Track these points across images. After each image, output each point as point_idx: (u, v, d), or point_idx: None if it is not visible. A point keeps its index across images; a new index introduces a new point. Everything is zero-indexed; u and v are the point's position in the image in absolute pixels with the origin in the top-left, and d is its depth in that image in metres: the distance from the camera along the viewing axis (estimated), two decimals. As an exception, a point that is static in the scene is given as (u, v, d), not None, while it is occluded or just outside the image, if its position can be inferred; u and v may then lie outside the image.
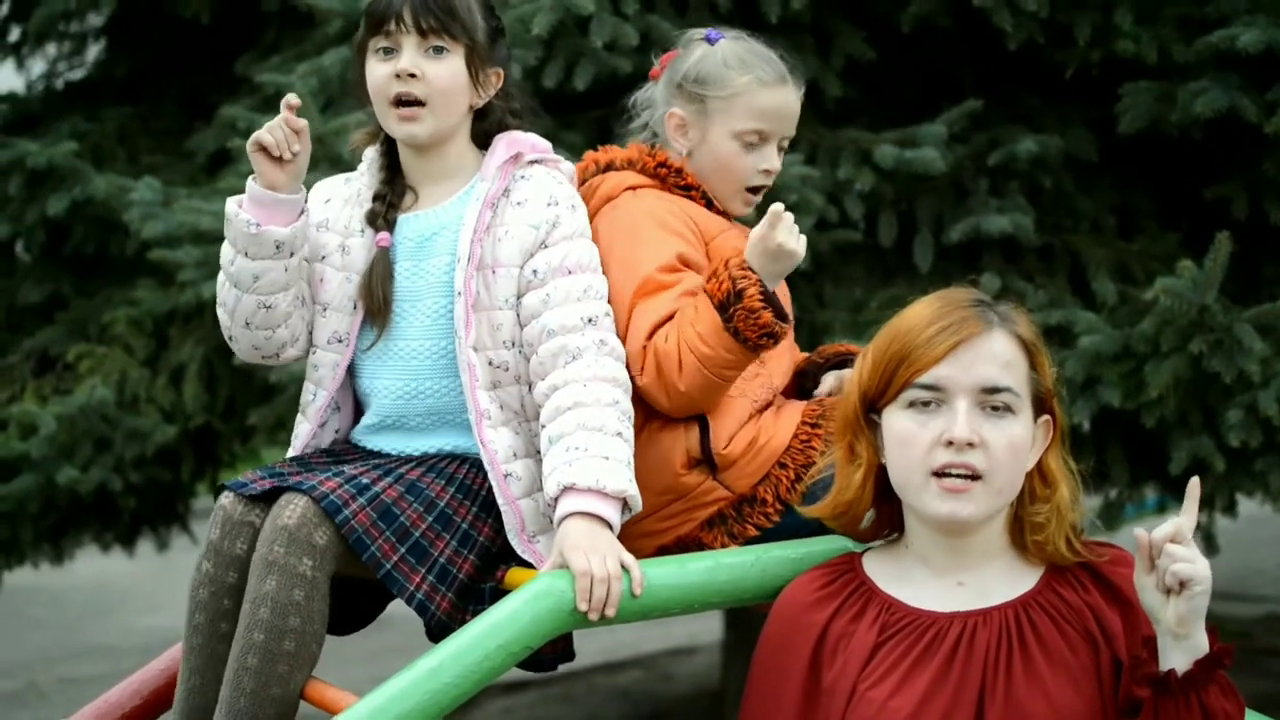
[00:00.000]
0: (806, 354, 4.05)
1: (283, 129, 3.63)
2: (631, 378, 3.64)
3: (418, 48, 3.65)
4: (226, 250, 3.71)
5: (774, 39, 4.00)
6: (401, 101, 3.66)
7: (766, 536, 3.65)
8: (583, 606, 3.35)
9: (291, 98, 3.66)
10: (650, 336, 3.65)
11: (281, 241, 3.66)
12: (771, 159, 3.89)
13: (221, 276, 3.75)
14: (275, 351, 3.80)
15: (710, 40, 3.94)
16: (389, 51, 3.67)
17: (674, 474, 3.70)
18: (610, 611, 3.36)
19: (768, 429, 3.73)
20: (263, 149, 3.64)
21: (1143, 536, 3.09)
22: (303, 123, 3.66)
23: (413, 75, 3.64)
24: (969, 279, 3.46)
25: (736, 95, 3.84)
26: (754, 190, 3.92)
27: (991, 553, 3.30)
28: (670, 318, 3.66)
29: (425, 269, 3.71)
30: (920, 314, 3.27)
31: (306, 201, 3.73)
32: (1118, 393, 5.71)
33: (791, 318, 3.70)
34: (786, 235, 3.60)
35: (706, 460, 3.70)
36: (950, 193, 6.36)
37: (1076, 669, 3.18)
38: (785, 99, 3.89)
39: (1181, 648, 3.09)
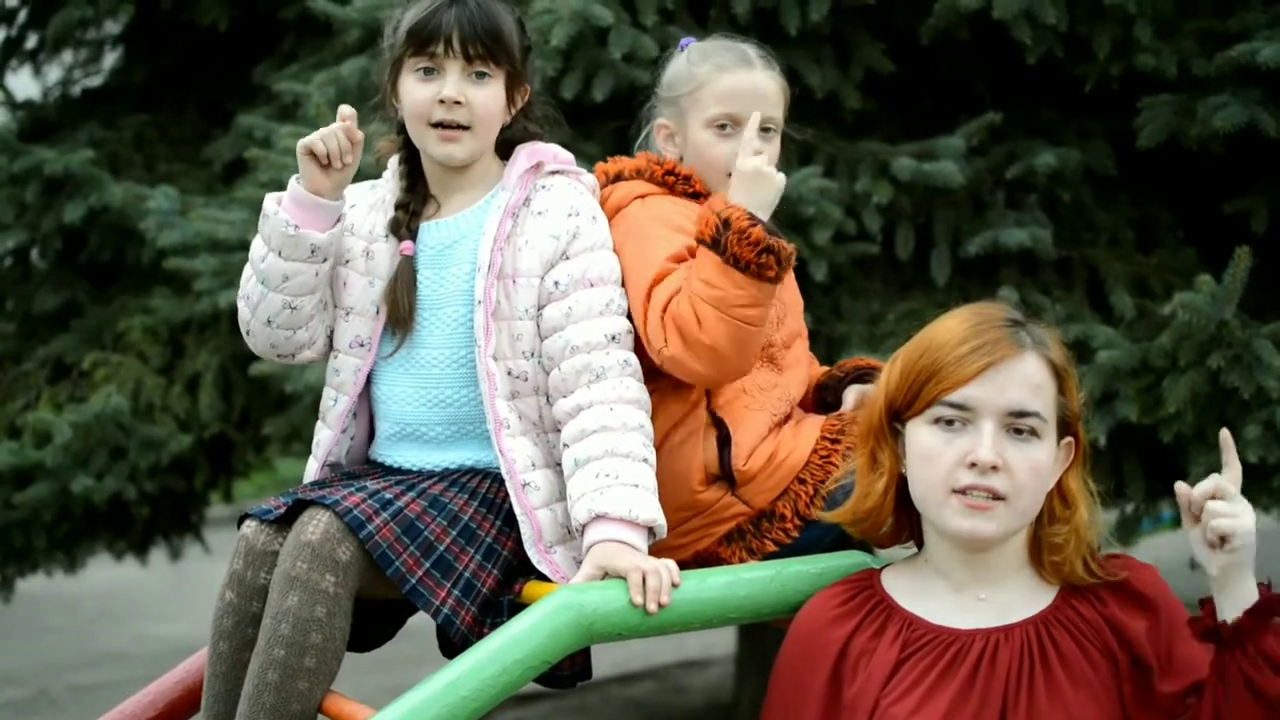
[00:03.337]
0: (826, 368, 4.04)
1: (338, 139, 3.63)
2: (658, 353, 3.62)
3: (461, 72, 3.64)
4: (258, 246, 3.70)
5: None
6: (443, 124, 3.66)
7: (785, 551, 3.63)
8: (638, 599, 3.36)
9: (346, 109, 3.67)
10: (665, 309, 3.64)
11: (318, 246, 3.66)
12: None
13: (248, 271, 3.74)
14: (292, 352, 3.80)
15: (682, 48, 3.98)
16: (430, 72, 3.66)
17: (691, 490, 3.69)
18: (665, 599, 3.37)
19: (786, 444, 3.72)
20: (312, 154, 3.64)
21: (1183, 492, 3.12)
22: (360, 135, 3.66)
23: (458, 103, 3.63)
24: (1002, 297, 3.44)
25: (701, 86, 3.87)
26: None
27: (1011, 568, 3.29)
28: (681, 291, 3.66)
29: (446, 277, 3.70)
30: (953, 330, 3.25)
31: (344, 208, 3.73)
32: (1135, 407, 5.69)
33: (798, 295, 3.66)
34: (758, 159, 3.64)
35: (725, 476, 3.69)
36: (968, 206, 6.35)
37: (1097, 684, 3.17)
38: (748, 80, 3.88)
39: (1231, 599, 3.11)
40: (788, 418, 3.81)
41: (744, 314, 3.57)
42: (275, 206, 3.67)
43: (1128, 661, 3.19)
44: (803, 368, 3.92)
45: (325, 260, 3.70)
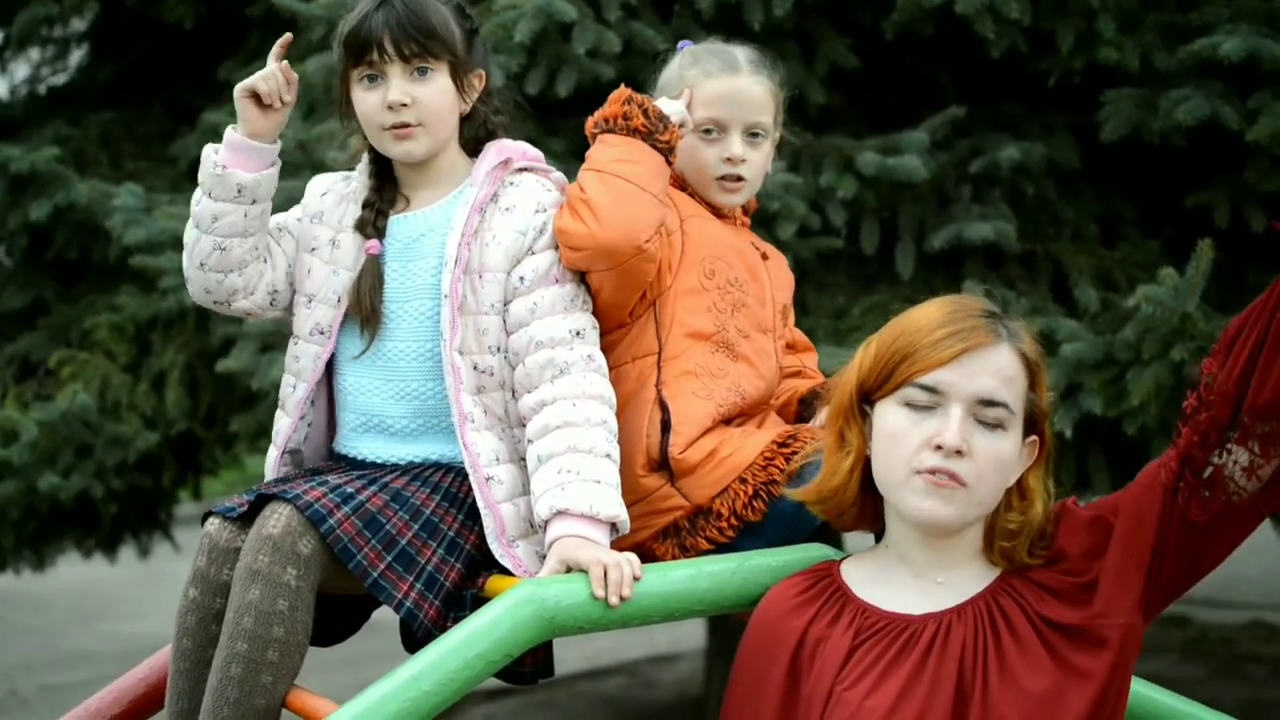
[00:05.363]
0: (816, 382, 4.03)
1: (277, 78, 3.67)
2: (556, 234, 3.67)
3: (403, 74, 3.66)
4: (196, 191, 3.73)
5: (757, 46, 4.02)
6: (395, 126, 3.68)
7: (742, 546, 3.63)
8: (599, 592, 3.36)
9: (286, 36, 3.72)
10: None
11: (244, 186, 3.67)
12: (733, 147, 3.90)
13: (189, 221, 3.78)
14: (225, 298, 3.80)
15: (679, 49, 4.02)
16: (373, 79, 3.68)
17: (634, 474, 3.69)
18: (627, 592, 3.37)
19: (732, 443, 3.71)
20: (254, 96, 3.66)
21: None
22: (295, 75, 3.70)
23: (404, 105, 3.65)
24: (986, 290, 3.45)
25: (688, 90, 3.88)
26: (725, 180, 3.93)
27: (969, 554, 3.31)
28: None
29: (413, 270, 3.71)
30: (931, 315, 3.27)
31: (280, 158, 3.76)
32: (1099, 400, 5.71)
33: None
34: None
35: (664, 464, 3.70)
36: (933, 200, 6.37)
37: (1043, 649, 3.18)
38: (734, 86, 3.90)
39: None
40: (742, 415, 3.81)
41: (620, 169, 3.63)
42: (211, 151, 3.70)
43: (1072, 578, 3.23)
44: (766, 367, 3.90)
45: (254, 202, 3.70)
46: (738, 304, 3.85)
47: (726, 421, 3.77)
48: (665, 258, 3.77)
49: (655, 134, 3.69)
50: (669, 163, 3.72)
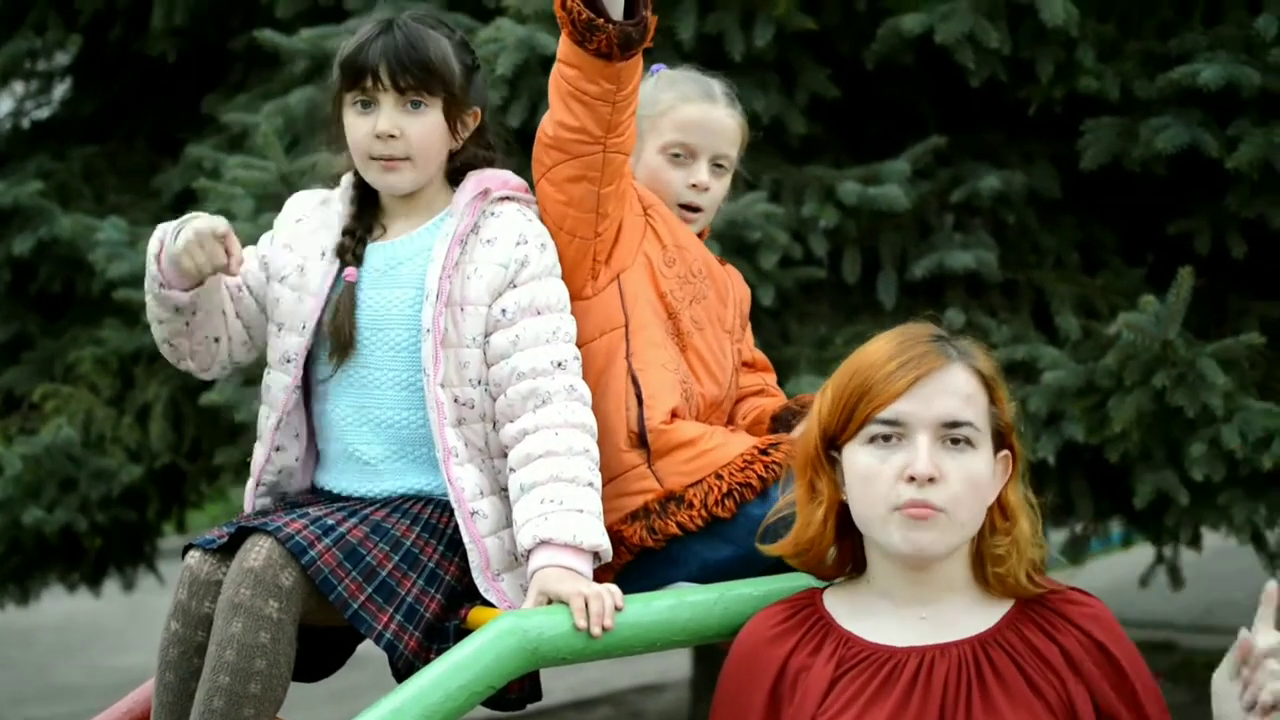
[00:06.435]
0: (784, 401, 4.04)
1: (212, 263, 3.58)
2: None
3: (396, 104, 3.64)
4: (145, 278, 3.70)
5: (738, 77, 4.04)
6: (382, 157, 3.68)
7: (728, 574, 3.63)
8: (581, 623, 3.36)
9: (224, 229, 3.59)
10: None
11: (181, 306, 3.65)
12: (699, 174, 3.92)
13: None
14: (196, 369, 3.84)
15: (652, 73, 4.01)
16: (366, 105, 3.67)
17: (617, 450, 3.70)
18: (609, 623, 3.37)
19: (715, 438, 3.72)
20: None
21: (1247, 641, 3.00)
22: (242, 254, 3.62)
23: (393, 136, 3.65)
24: (928, 315, 3.45)
25: (662, 113, 3.91)
26: (685, 207, 3.94)
27: (954, 586, 3.29)
28: None
29: (389, 299, 3.70)
30: (880, 350, 3.27)
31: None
32: (1081, 427, 5.73)
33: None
34: None
35: (642, 438, 3.71)
36: (914, 229, 6.39)
37: (1040, 707, 3.16)
38: (709, 114, 3.93)
39: None
40: (700, 412, 3.82)
41: (560, 69, 3.66)
42: (155, 253, 3.63)
43: (1083, 686, 3.20)
44: (720, 368, 3.89)
45: (194, 314, 3.69)
46: (697, 295, 3.85)
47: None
48: (629, 235, 3.79)
49: (584, 44, 3.62)
50: (617, 57, 3.61)
